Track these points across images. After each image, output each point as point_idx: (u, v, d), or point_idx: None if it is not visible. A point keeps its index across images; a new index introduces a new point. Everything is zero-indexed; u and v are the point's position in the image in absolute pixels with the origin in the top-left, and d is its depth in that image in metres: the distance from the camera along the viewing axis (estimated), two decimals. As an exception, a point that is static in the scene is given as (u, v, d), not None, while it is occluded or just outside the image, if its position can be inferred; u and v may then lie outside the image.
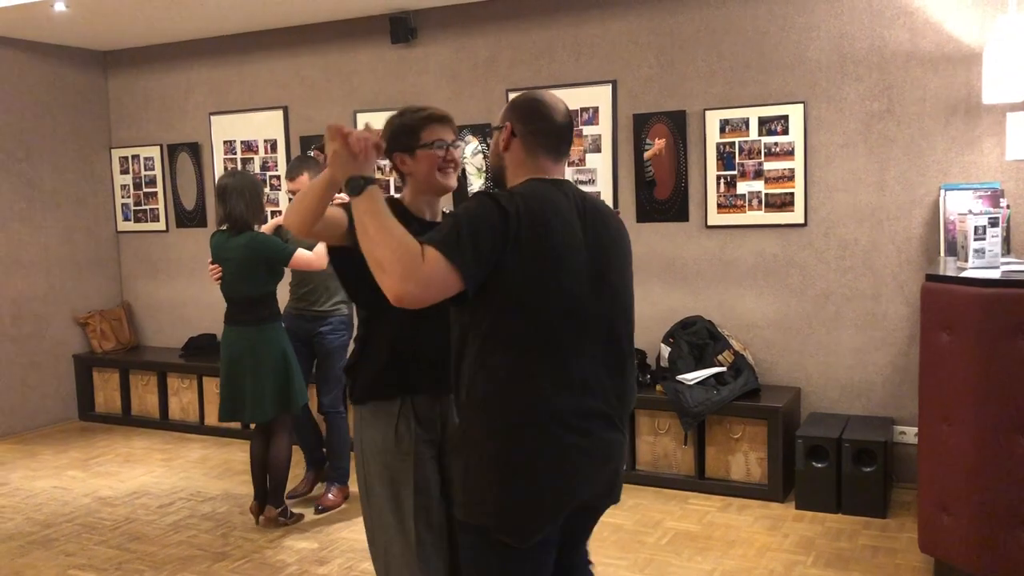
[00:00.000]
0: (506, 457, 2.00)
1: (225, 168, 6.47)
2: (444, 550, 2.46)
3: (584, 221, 2.10)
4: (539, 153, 2.14)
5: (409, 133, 2.46)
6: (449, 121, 2.51)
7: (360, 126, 5.86)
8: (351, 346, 2.71)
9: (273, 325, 4.25)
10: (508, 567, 2.07)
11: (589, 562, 2.44)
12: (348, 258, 2.32)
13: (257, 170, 6.37)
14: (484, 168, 5.58)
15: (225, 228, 4.24)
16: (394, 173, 2.59)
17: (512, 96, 5.41)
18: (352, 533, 4.26)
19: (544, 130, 2.14)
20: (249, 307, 4.21)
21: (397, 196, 2.56)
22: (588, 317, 2.07)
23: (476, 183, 5.64)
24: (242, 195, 4.16)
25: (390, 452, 2.44)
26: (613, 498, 2.21)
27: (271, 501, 4.34)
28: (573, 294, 2.04)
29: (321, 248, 4.21)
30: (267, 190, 6.34)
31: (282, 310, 4.51)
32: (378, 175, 4.40)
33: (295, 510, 4.48)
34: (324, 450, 4.74)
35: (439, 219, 2.52)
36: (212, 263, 4.26)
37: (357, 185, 1.99)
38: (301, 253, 4.18)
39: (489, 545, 2.05)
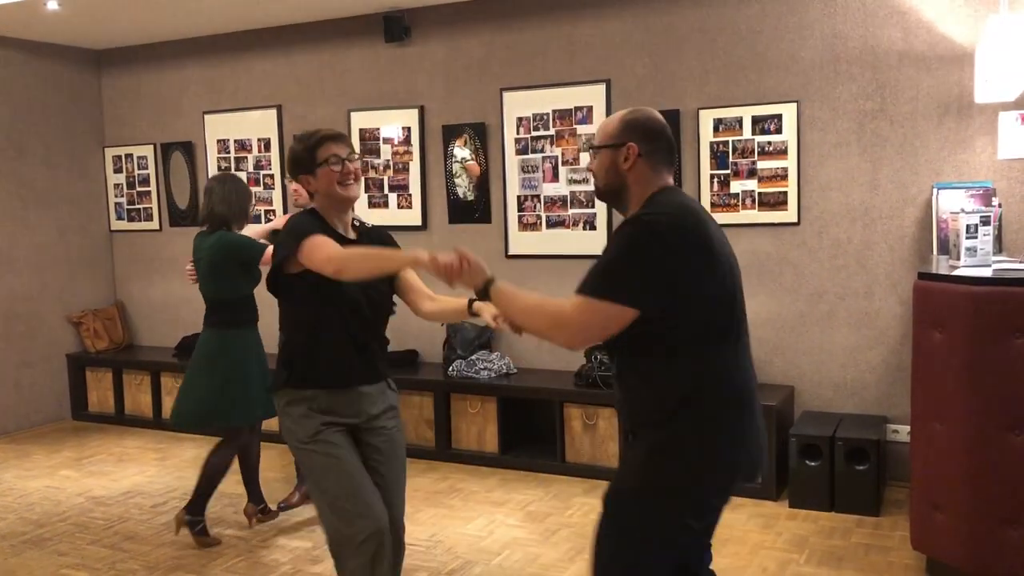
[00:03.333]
0: (711, 435, 2.19)
1: (219, 167, 6.46)
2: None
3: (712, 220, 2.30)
4: (662, 168, 2.31)
5: (307, 155, 2.75)
6: (342, 138, 2.79)
7: (354, 125, 5.90)
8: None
9: (244, 330, 4.12)
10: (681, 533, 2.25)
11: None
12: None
13: (251, 169, 6.37)
14: (472, 180, 5.59)
15: (206, 227, 4.19)
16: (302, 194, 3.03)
17: (503, 96, 5.45)
18: (346, 532, 4.25)
19: (665, 147, 2.32)
20: (221, 309, 4.11)
21: (313, 206, 2.83)
22: (740, 310, 2.28)
23: (463, 185, 5.64)
24: (227, 195, 4.07)
25: (303, 435, 2.75)
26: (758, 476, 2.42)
27: (188, 508, 4.18)
28: (733, 290, 2.26)
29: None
30: (260, 189, 6.34)
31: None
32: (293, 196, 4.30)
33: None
34: None
35: (349, 232, 2.83)
36: (191, 263, 4.23)
37: (484, 293, 2.32)
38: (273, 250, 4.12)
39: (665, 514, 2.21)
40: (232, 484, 5.00)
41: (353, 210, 2.88)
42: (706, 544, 2.50)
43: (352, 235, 2.83)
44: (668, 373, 2.18)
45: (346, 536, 2.71)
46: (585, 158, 5.28)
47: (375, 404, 2.84)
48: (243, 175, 6.38)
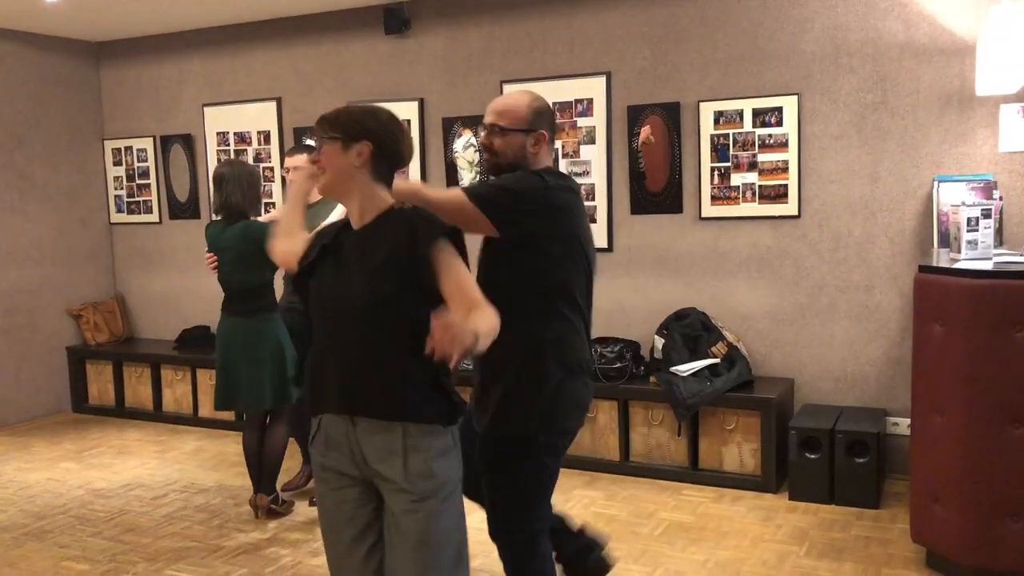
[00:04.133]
0: (556, 385, 2.61)
1: (218, 159, 6.45)
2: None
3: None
4: (551, 151, 2.72)
5: None
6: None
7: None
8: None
9: (270, 315, 4.24)
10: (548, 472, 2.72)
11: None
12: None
13: (251, 161, 6.35)
14: (476, 162, 5.57)
15: (220, 218, 4.22)
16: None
17: (504, 88, 5.43)
18: (346, 524, 4.26)
19: (553, 134, 2.74)
20: (246, 297, 4.19)
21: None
22: (585, 289, 2.67)
23: (467, 177, 5.62)
24: (239, 184, 4.14)
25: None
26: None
27: (263, 489, 4.34)
28: (585, 269, 2.66)
29: None
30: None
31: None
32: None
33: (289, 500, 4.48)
34: None
35: (360, 218, 2.25)
36: (208, 252, 4.25)
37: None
38: None
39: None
40: (233, 476, 5.01)
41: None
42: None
43: (364, 221, 2.24)
44: (520, 328, 2.47)
45: None
46: (586, 151, 5.27)
47: (378, 452, 2.16)
48: (243, 168, 6.37)
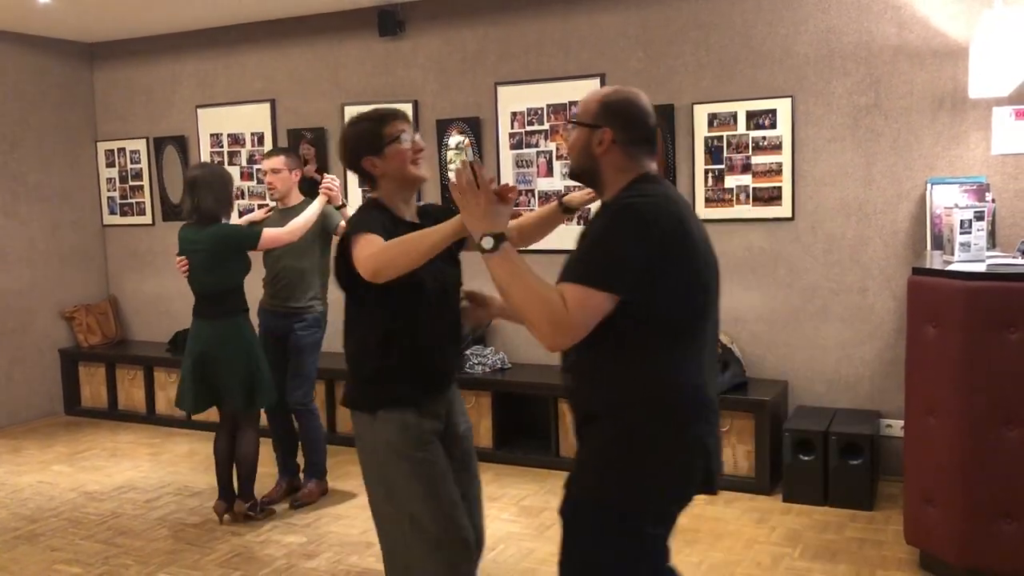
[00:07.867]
0: (657, 436, 2.04)
1: (212, 162, 6.44)
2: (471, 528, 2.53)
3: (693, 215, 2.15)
4: (641, 156, 2.16)
5: (372, 135, 2.51)
6: (405, 116, 2.59)
7: (347, 119, 5.87)
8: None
9: (239, 319, 4.22)
10: (635, 552, 2.08)
11: None
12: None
13: (244, 163, 6.35)
14: (470, 157, 5.57)
15: (193, 221, 4.21)
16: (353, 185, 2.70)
17: (497, 90, 5.44)
18: (341, 527, 4.26)
19: (643, 137, 2.16)
20: (217, 300, 4.18)
21: (374, 195, 2.57)
22: (712, 311, 2.13)
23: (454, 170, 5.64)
24: (211, 188, 4.12)
25: (408, 446, 2.45)
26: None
27: (240, 496, 4.33)
28: (708, 288, 2.10)
29: (295, 224, 4.26)
30: (253, 183, 6.33)
31: (256, 306, 4.49)
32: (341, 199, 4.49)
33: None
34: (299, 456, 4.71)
35: (416, 217, 2.59)
36: (179, 256, 4.24)
37: (493, 244, 2.01)
38: (269, 232, 4.20)
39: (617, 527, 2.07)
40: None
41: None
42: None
43: (418, 220, 2.57)
44: (627, 367, 2.04)
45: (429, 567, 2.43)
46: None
47: (454, 404, 2.63)
48: (236, 169, 6.36)
